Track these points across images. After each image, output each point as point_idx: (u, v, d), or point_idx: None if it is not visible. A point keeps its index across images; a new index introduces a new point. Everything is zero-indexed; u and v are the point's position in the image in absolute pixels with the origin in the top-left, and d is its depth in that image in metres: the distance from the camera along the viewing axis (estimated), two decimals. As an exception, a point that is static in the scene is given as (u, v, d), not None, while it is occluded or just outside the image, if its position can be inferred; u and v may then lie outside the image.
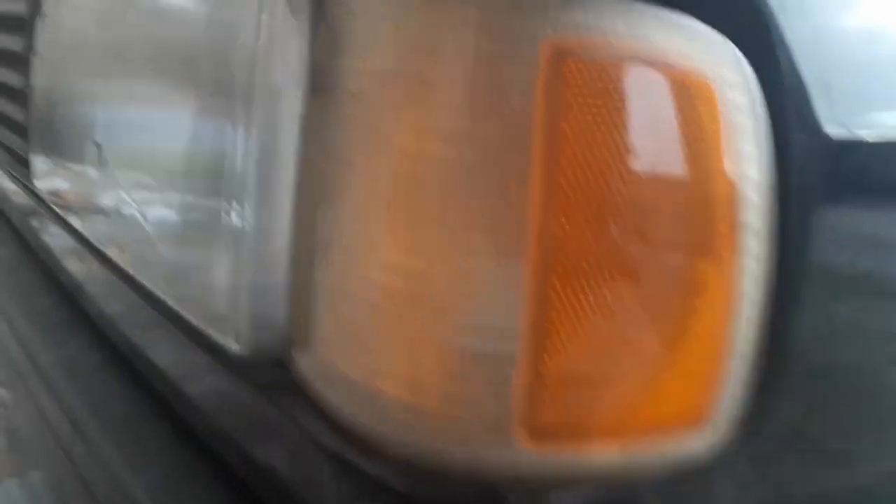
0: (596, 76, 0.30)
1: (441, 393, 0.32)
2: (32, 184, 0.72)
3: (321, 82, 0.35)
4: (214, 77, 0.40)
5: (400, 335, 0.33)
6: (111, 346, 0.59)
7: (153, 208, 0.50)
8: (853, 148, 0.36)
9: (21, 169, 0.77)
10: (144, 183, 0.51)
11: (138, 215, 0.50)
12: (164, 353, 0.51)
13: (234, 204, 0.37)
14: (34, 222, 0.85)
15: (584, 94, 0.30)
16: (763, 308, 0.34)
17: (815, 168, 0.35)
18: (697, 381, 0.33)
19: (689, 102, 0.31)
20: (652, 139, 0.31)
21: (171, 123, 0.47)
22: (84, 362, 0.60)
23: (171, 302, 0.45)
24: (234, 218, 0.37)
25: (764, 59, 0.33)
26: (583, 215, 0.30)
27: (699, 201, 0.32)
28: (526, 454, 0.31)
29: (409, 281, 0.32)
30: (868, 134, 0.36)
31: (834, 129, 0.35)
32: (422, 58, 0.31)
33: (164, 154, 0.48)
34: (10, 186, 0.94)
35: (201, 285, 0.41)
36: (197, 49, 0.43)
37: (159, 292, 0.47)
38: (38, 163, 0.71)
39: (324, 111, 0.34)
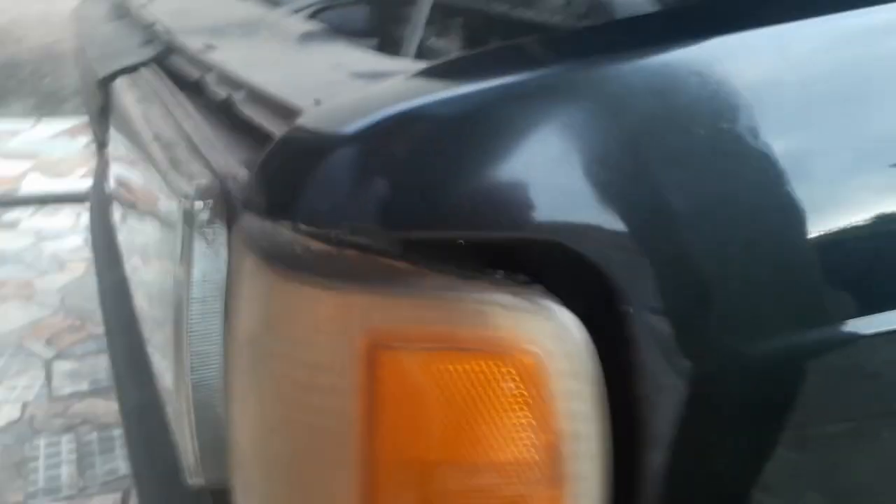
0: (411, 368, 0.33)
1: None
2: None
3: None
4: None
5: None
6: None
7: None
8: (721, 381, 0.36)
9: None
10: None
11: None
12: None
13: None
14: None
15: (400, 387, 0.33)
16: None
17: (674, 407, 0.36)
18: None
19: (510, 380, 0.33)
20: (473, 422, 0.33)
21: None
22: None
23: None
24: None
25: (609, 318, 0.34)
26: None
27: (524, 465, 0.34)
28: None
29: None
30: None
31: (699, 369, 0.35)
32: (260, 330, 0.35)
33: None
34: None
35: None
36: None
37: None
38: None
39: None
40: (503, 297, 0.33)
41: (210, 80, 0.58)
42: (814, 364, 0.37)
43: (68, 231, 2.80)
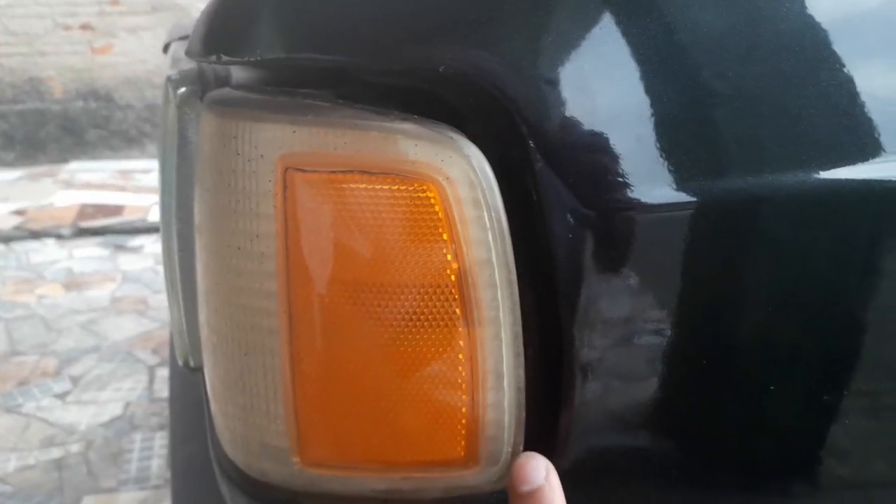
0: (319, 189, 0.36)
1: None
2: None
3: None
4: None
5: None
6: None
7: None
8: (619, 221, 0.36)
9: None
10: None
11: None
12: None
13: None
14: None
15: (312, 206, 0.36)
16: (519, 368, 0.37)
17: (577, 241, 0.36)
18: (454, 433, 0.38)
19: (413, 203, 0.35)
20: (381, 242, 0.36)
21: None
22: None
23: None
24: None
25: (514, 154, 0.36)
26: (323, 316, 0.37)
27: (433, 287, 0.36)
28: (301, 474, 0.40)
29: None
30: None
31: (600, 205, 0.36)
32: (202, 170, 0.39)
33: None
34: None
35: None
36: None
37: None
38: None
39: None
40: (409, 126, 0.35)
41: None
42: (701, 218, 0.37)
43: (183, 255, 2.98)
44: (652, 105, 0.36)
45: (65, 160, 4.23)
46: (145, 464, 1.76)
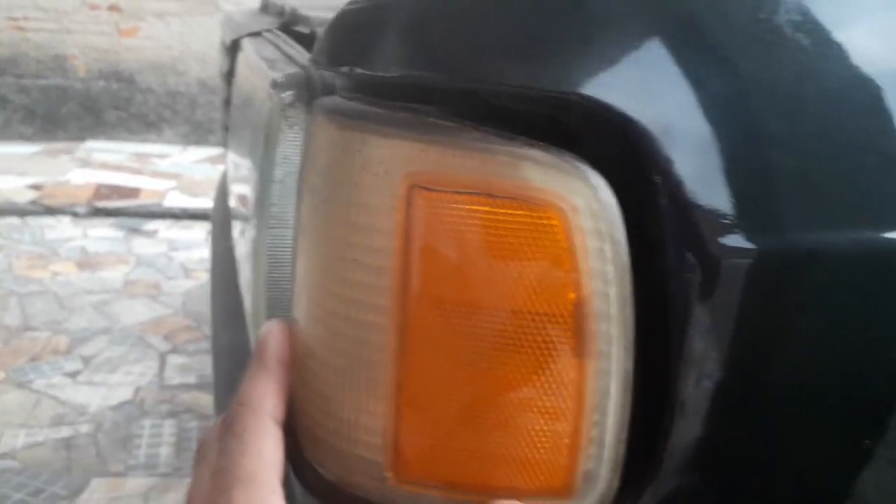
0: (443, 209, 0.36)
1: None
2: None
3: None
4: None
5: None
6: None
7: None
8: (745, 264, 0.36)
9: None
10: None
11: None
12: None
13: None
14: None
15: (434, 226, 0.36)
16: (625, 404, 0.37)
17: (696, 282, 0.36)
18: (552, 463, 0.38)
19: (537, 229, 0.36)
20: (500, 267, 0.36)
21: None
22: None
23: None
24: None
25: (639, 188, 0.36)
26: (435, 336, 0.37)
27: (548, 316, 0.36)
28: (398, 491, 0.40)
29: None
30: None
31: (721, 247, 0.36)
32: (319, 180, 0.39)
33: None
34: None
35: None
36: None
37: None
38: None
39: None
40: (536, 153, 0.35)
41: (321, 31, 0.64)
42: (843, 269, 0.37)
43: (198, 244, 3.01)
44: (783, 150, 0.36)
45: (83, 138, 4.23)
46: (154, 451, 1.76)
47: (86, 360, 2.12)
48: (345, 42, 0.39)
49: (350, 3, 0.41)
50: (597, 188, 0.35)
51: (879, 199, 0.37)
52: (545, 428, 0.38)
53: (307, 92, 0.45)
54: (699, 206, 0.36)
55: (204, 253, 2.96)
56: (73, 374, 2.05)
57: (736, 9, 0.37)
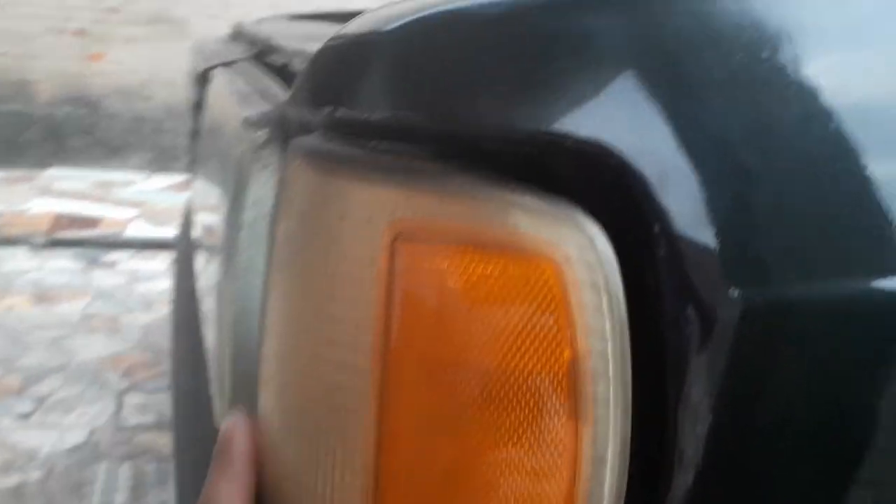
0: (428, 261, 0.33)
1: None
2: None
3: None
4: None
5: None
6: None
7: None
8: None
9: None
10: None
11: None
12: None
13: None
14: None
15: (419, 278, 0.33)
16: (623, 466, 0.35)
17: (695, 333, 0.34)
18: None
19: (528, 283, 0.33)
20: (488, 323, 0.33)
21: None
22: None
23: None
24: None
25: (636, 236, 0.34)
26: (418, 398, 0.34)
27: (540, 375, 0.34)
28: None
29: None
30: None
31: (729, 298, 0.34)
32: (295, 226, 0.36)
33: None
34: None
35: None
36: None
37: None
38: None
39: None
40: (527, 200, 0.33)
41: (296, 63, 0.62)
42: (855, 318, 0.35)
43: (160, 275, 2.94)
44: (782, 199, 0.34)
45: (45, 166, 4.14)
46: (109, 497, 1.68)
47: (39, 401, 2.04)
48: (326, 81, 0.37)
49: (332, 40, 0.38)
50: (592, 237, 0.33)
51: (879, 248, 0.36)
52: (538, 490, 0.35)
53: (282, 131, 0.43)
54: (699, 256, 0.34)
55: (166, 284, 2.89)
56: (24, 416, 1.96)
57: (737, 49, 0.35)
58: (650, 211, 0.33)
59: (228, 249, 0.46)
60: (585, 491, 0.35)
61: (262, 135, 0.43)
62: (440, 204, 0.33)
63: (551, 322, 0.33)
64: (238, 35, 1.10)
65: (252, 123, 0.44)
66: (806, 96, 0.35)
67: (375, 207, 0.34)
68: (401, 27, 0.34)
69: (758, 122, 0.35)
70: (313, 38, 0.74)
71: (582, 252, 0.33)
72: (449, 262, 0.33)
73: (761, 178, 0.34)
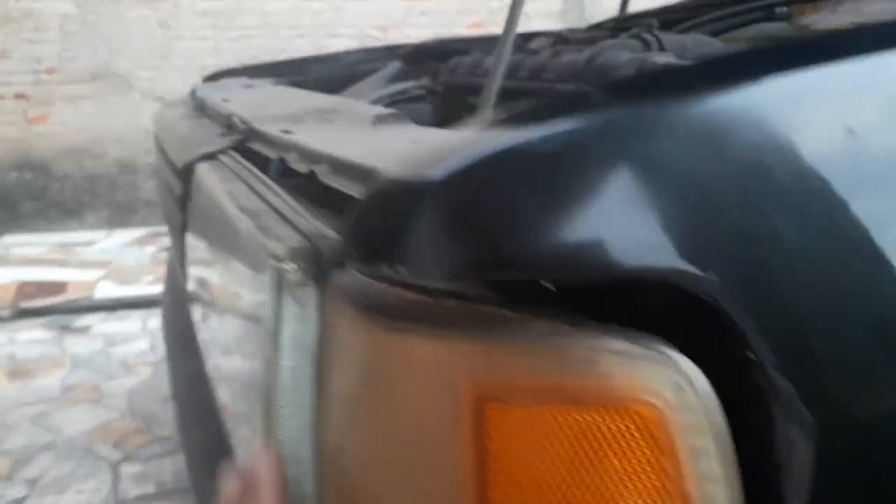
0: (521, 422, 0.31)
1: None
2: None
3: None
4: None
5: None
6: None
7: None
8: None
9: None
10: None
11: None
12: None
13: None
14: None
15: (510, 442, 0.31)
16: None
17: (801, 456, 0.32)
18: None
19: (628, 435, 0.31)
20: (590, 483, 0.31)
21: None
22: None
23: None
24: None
25: (732, 369, 0.31)
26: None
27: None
28: None
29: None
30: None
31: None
32: (358, 388, 0.34)
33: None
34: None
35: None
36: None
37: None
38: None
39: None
40: (616, 343, 0.31)
41: (291, 159, 0.59)
42: None
43: (136, 335, 2.86)
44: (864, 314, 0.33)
45: (-1, 234, 4.01)
46: (120, 579, 1.63)
47: (30, 484, 1.96)
48: (380, 237, 0.34)
49: (381, 186, 0.35)
50: (689, 376, 0.31)
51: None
52: None
53: (317, 268, 0.40)
54: (797, 380, 0.32)
55: (143, 345, 2.82)
56: (18, 502, 1.88)
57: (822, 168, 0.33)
58: (745, 340, 0.31)
59: (268, 390, 0.43)
60: None
61: (294, 271, 0.40)
62: (522, 357, 0.31)
63: (662, 473, 0.31)
64: (201, 105, 1.06)
65: (281, 257, 0.40)
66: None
67: (452, 368, 0.31)
68: (458, 171, 0.31)
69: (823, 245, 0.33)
70: (287, 119, 0.71)
71: (681, 394, 0.31)
72: (541, 421, 0.30)
73: (849, 295, 0.32)
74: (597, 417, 0.30)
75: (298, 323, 0.40)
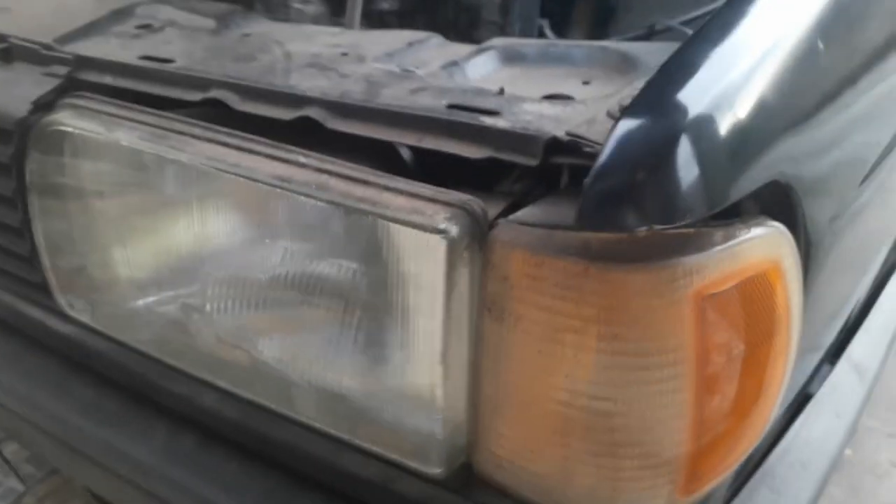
0: (726, 304, 0.46)
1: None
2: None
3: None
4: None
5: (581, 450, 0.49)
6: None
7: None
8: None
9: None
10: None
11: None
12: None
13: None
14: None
15: (721, 322, 0.46)
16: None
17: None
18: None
19: (774, 286, 0.48)
20: (768, 315, 0.48)
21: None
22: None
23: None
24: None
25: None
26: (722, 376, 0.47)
27: (779, 322, 0.49)
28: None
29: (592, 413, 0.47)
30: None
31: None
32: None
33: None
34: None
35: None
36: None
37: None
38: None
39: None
40: (757, 230, 0.47)
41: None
42: None
43: None
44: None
45: None
46: None
47: None
48: (650, 200, 0.44)
49: (611, 161, 0.44)
50: (789, 238, 0.51)
51: None
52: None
53: (474, 224, 0.46)
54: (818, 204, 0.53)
55: None
56: None
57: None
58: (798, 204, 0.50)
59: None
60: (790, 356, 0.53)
61: (459, 233, 0.45)
62: (720, 261, 0.44)
63: (786, 301, 0.49)
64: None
65: (440, 227, 0.45)
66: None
67: (679, 283, 0.43)
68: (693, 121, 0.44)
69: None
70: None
71: (789, 250, 0.49)
72: (736, 295, 0.46)
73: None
74: (761, 278, 0.47)
75: (464, 281, 0.46)
